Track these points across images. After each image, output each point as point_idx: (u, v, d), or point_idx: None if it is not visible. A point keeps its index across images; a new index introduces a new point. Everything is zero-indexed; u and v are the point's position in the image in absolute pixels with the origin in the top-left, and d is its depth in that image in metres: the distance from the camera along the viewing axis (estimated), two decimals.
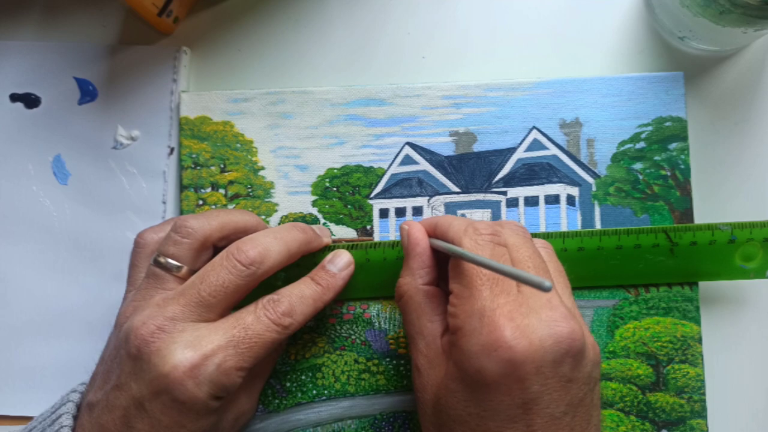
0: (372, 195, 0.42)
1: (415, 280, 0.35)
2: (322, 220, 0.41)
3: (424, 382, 0.33)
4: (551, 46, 0.43)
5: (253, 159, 0.42)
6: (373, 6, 0.44)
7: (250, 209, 0.41)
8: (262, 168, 0.42)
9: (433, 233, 0.36)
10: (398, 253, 0.39)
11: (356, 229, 0.41)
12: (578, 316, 0.32)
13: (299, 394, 0.40)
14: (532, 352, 0.29)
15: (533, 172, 0.41)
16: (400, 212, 0.41)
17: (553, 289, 0.32)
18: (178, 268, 0.35)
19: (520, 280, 0.27)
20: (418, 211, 0.41)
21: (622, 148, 0.41)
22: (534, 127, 0.41)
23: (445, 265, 0.35)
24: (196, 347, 0.32)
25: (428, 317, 0.34)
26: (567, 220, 0.41)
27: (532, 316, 0.30)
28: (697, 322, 0.39)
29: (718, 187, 0.41)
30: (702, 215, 0.41)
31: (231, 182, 0.42)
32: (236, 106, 0.42)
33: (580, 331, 0.30)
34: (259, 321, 0.33)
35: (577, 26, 0.43)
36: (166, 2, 0.41)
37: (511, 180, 0.41)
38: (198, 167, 0.42)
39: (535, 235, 0.39)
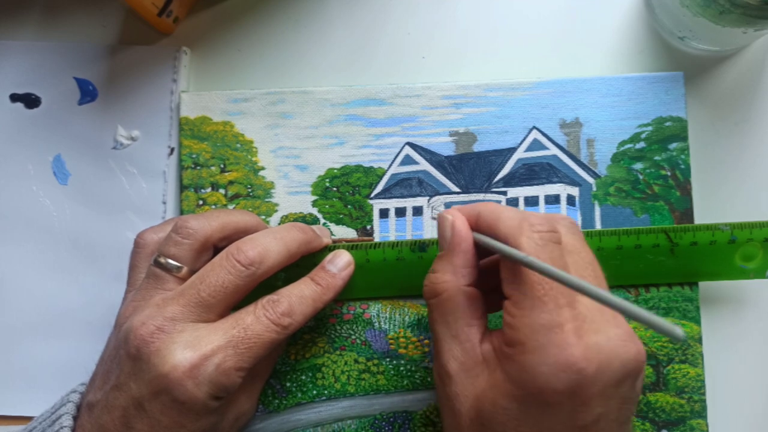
0: (372, 195, 0.42)
1: (458, 279, 0.32)
2: (322, 220, 0.41)
3: (457, 391, 0.31)
4: (551, 46, 0.43)
5: (253, 159, 0.42)
6: (373, 6, 0.44)
7: (250, 209, 0.41)
8: (262, 168, 0.42)
9: (475, 225, 0.33)
10: (398, 254, 0.39)
11: (356, 229, 0.41)
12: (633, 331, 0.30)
13: (299, 394, 0.40)
14: (600, 374, 0.27)
15: (533, 172, 0.41)
16: (400, 212, 0.41)
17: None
18: (179, 268, 0.35)
19: (649, 325, 0.24)
20: (418, 211, 0.41)
21: (622, 148, 0.41)
22: (534, 127, 0.41)
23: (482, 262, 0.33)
24: (196, 347, 0.32)
25: (467, 321, 0.31)
26: None
27: (600, 333, 0.28)
28: (698, 322, 0.39)
29: (718, 187, 0.41)
30: (702, 215, 0.41)
31: (231, 182, 0.42)
32: (236, 106, 0.42)
33: (644, 352, 0.29)
34: (258, 321, 0.33)
35: (577, 26, 0.43)
36: (166, 2, 0.41)
37: (511, 180, 0.41)
38: (198, 167, 0.42)
39: None
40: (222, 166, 0.42)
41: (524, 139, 0.41)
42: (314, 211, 0.42)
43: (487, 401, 0.29)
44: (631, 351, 0.28)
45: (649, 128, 0.41)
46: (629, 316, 0.25)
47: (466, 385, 0.30)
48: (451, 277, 0.32)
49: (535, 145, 0.41)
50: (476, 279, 0.33)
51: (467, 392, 0.30)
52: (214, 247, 0.36)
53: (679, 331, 0.23)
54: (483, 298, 0.33)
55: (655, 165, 0.40)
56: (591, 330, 0.28)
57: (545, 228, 0.30)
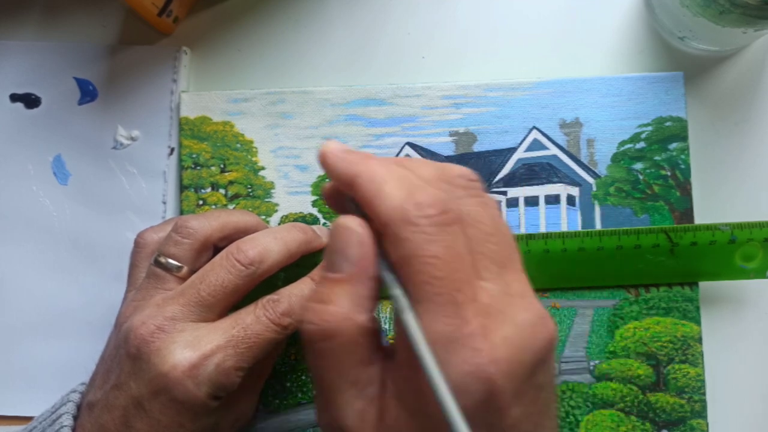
0: None
1: (360, 315, 0.24)
2: (322, 220, 0.41)
3: None
4: (551, 46, 0.43)
5: (253, 159, 0.42)
6: (373, 6, 0.44)
7: (250, 209, 0.41)
8: (262, 168, 0.42)
9: (349, 191, 0.26)
10: None
11: None
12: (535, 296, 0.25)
13: (299, 394, 0.40)
14: (512, 376, 0.23)
15: (533, 172, 0.41)
16: None
17: (522, 275, 0.25)
18: (179, 268, 0.35)
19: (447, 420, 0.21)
20: None
21: (622, 148, 0.41)
22: (534, 127, 0.41)
23: None
24: (196, 347, 0.32)
25: (368, 359, 0.25)
26: (567, 220, 0.41)
27: (506, 323, 0.23)
28: (698, 322, 0.39)
29: (718, 187, 0.41)
30: (702, 215, 0.41)
31: (231, 182, 0.42)
32: (236, 106, 0.42)
33: (555, 329, 0.24)
34: (258, 321, 0.33)
35: (577, 26, 0.43)
36: (166, 2, 0.41)
37: (511, 180, 0.41)
38: (198, 167, 0.42)
39: (529, 236, 0.39)
40: (222, 166, 0.42)
41: (524, 139, 0.41)
42: (314, 211, 0.42)
43: None
44: (543, 336, 0.24)
45: (649, 128, 0.41)
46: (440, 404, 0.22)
47: None
48: (351, 312, 0.24)
49: (535, 145, 0.41)
50: (375, 306, 0.26)
51: None
52: (214, 246, 0.36)
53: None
54: (377, 324, 0.26)
55: (655, 165, 0.40)
56: (498, 322, 0.23)
57: (436, 209, 0.24)
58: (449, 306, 0.23)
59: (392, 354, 0.25)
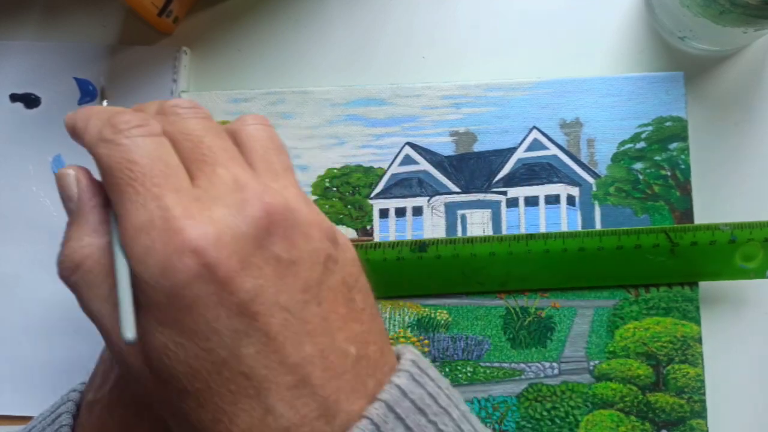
0: (372, 195, 0.42)
1: (99, 237, 0.26)
2: None
3: (133, 364, 0.25)
4: (551, 46, 0.43)
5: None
6: (373, 6, 0.44)
7: None
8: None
9: (73, 136, 0.28)
10: (398, 254, 0.39)
11: (356, 229, 0.41)
12: (285, 188, 0.26)
13: None
14: (225, 245, 0.23)
15: (533, 172, 0.41)
16: (400, 212, 0.41)
17: (241, 168, 0.26)
18: None
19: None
20: (418, 211, 0.41)
21: (622, 148, 0.41)
22: (534, 127, 0.41)
23: None
24: None
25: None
26: (567, 220, 0.41)
27: (217, 206, 0.24)
28: (697, 322, 0.39)
29: (718, 187, 0.41)
30: (702, 215, 0.41)
31: None
32: (236, 106, 0.42)
33: (282, 202, 0.25)
34: None
35: (577, 26, 0.43)
36: (166, 2, 0.41)
37: (511, 180, 0.41)
38: None
39: (529, 236, 0.39)
40: None
41: (524, 139, 0.41)
42: None
43: (151, 349, 0.24)
44: (256, 206, 0.24)
45: (650, 128, 0.41)
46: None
47: (139, 353, 0.25)
48: (91, 239, 0.26)
49: (536, 145, 0.41)
50: None
51: (137, 355, 0.25)
52: None
53: (129, 335, 0.22)
54: None
55: (655, 165, 0.40)
56: (205, 206, 0.24)
57: (128, 125, 0.25)
58: (148, 197, 0.24)
59: None
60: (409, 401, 0.25)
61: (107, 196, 0.26)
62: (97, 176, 0.27)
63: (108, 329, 0.26)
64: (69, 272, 0.27)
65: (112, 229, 0.25)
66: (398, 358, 0.27)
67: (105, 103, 0.29)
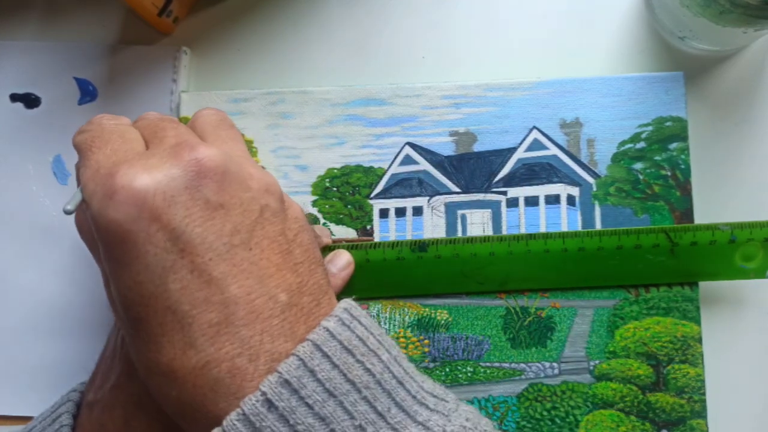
0: (372, 195, 0.42)
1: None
2: (322, 220, 0.41)
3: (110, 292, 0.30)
4: (551, 46, 0.43)
5: (253, 159, 0.42)
6: (373, 6, 0.44)
7: None
8: (262, 168, 0.42)
9: None
10: (398, 254, 0.39)
11: (356, 229, 0.41)
12: (237, 152, 0.30)
13: None
14: (155, 184, 0.26)
15: (533, 172, 0.41)
16: (400, 212, 0.41)
17: (178, 129, 0.30)
18: None
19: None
20: (418, 211, 0.41)
21: (622, 148, 0.41)
22: (534, 127, 0.41)
23: None
24: None
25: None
26: (567, 220, 0.41)
27: (153, 156, 0.27)
28: (698, 322, 0.39)
29: (718, 187, 0.41)
30: (702, 215, 0.41)
31: None
32: (236, 106, 0.42)
33: (216, 154, 0.27)
34: None
35: (577, 26, 0.43)
36: (166, 2, 0.41)
37: (511, 180, 0.41)
38: None
39: (529, 236, 0.39)
40: None
41: (524, 139, 0.41)
42: (314, 211, 0.42)
43: (105, 279, 0.29)
44: (190, 155, 0.27)
45: (650, 128, 0.41)
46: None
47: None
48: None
49: (535, 145, 0.41)
50: None
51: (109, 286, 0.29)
52: None
53: (68, 207, 0.27)
54: None
55: (655, 165, 0.40)
56: (143, 156, 0.27)
57: (98, 118, 0.31)
58: (101, 156, 0.28)
59: None
60: (337, 341, 0.26)
61: None
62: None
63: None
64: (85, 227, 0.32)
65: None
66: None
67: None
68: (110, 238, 0.26)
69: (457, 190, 0.41)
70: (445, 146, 0.41)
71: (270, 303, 0.26)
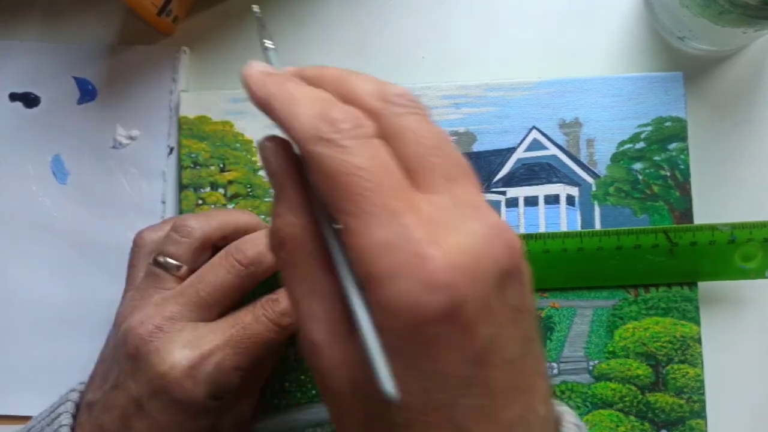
0: None
1: (301, 217, 0.24)
2: None
3: (329, 364, 0.23)
4: (551, 46, 0.43)
5: (253, 159, 0.42)
6: (373, 6, 0.44)
7: (249, 209, 0.41)
8: (262, 168, 0.42)
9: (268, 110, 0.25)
10: None
11: None
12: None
13: (299, 394, 0.40)
14: (475, 284, 0.21)
15: (533, 172, 0.41)
16: None
17: (475, 189, 0.23)
18: (177, 267, 0.35)
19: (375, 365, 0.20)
20: None
21: (621, 148, 0.41)
22: (534, 127, 0.41)
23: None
24: (195, 347, 0.32)
25: (324, 268, 0.23)
26: (567, 220, 0.41)
27: (459, 232, 0.21)
28: (697, 322, 0.39)
29: (718, 187, 0.41)
30: (702, 215, 0.41)
31: (230, 182, 0.42)
32: (236, 105, 0.42)
33: (517, 242, 0.22)
34: (257, 321, 0.33)
35: (577, 26, 0.43)
36: (165, 2, 0.41)
37: (510, 180, 0.41)
38: (197, 167, 0.42)
39: (529, 236, 0.39)
40: (221, 165, 0.42)
41: (524, 139, 0.41)
42: None
43: (361, 366, 0.22)
44: (501, 244, 0.22)
45: (649, 128, 0.41)
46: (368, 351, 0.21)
47: (336, 352, 0.23)
48: (293, 217, 0.24)
49: (535, 145, 0.41)
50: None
51: (340, 361, 0.23)
52: (214, 246, 0.36)
53: (390, 390, 0.20)
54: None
55: (655, 165, 0.40)
56: (447, 230, 0.21)
57: (351, 123, 0.22)
58: (386, 215, 0.21)
59: None
60: None
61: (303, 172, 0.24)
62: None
63: (300, 313, 0.24)
64: (275, 249, 0.24)
65: (327, 236, 0.24)
66: (558, 419, 0.26)
67: (268, 44, 0.26)
68: (407, 337, 0.21)
69: None
70: None
71: (536, 420, 0.23)
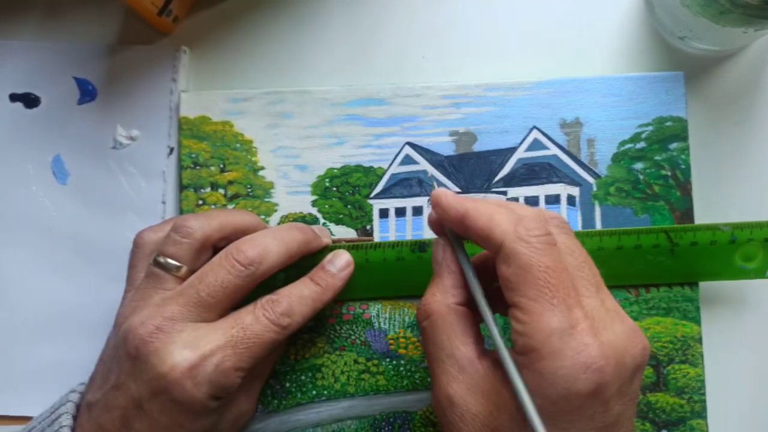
0: (372, 195, 0.42)
1: (447, 298, 0.32)
2: (322, 220, 0.41)
3: (462, 413, 0.29)
4: (551, 46, 0.43)
5: (253, 159, 0.42)
6: (373, 6, 0.44)
7: (249, 209, 0.41)
8: (262, 168, 0.42)
9: (460, 224, 0.31)
10: (398, 254, 0.39)
11: (356, 229, 0.41)
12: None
13: (299, 395, 0.40)
14: (618, 372, 0.27)
15: (533, 172, 0.41)
16: (400, 212, 0.41)
17: (611, 297, 0.30)
18: (178, 268, 0.34)
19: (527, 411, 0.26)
20: (418, 211, 0.41)
21: (622, 148, 0.41)
22: (534, 127, 0.41)
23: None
24: (195, 347, 0.32)
25: (461, 339, 0.31)
26: (567, 220, 0.41)
27: (609, 331, 0.28)
28: (698, 322, 0.39)
29: (719, 187, 0.41)
30: (702, 215, 0.41)
31: (231, 182, 0.42)
32: (236, 105, 0.42)
33: (648, 345, 0.29)
34: (257, 321, 0.33)
35: (577, 26, 0.43)
36: (165, 2, 0.41)
37: (511, 180, 0.41)
38: (197, 167, 0.42)
39: None
40: (221, 165, 0.42)
41: (524, 139, 0.41)
42: (314, 211, 0.42)
43: (504, 418, 0.28)
44: (639, 345, 0.28)
45: (650, 128, 0.41)
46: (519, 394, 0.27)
47: (471, 406, 0.29)
48: (441, 297, 0.32)
49: (536, 144, 0.41)
50: (467, 300, 0.32)
51: (474, 413, 0.29)
52: (214, 246, 0.36)
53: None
54: (474, 318, 0.32)
55: (656, 165, 0.40)
56: (601, 327, 0.28)
57: (541, 231, 0.29)
58: (562, 306, 0.28)
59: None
60: None
61: (458, 265, 0.32)
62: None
63: (437, 372, 0.31)
64: (422, 318, 0.32)
65: (490, 326, 0.30)
66: None
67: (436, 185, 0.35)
68: (559, 405, 0.27)
69: (457, 190, 0.41)
70: (445, 146, 0.41)
71: None
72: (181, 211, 0.42)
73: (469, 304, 0.32)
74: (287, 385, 0.40)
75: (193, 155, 0.42)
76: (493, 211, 0.30)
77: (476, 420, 0.29)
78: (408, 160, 0.41)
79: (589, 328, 0.27)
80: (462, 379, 0.30)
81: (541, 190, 0.41)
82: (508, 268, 0.29)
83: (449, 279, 0.32)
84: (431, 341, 0.31)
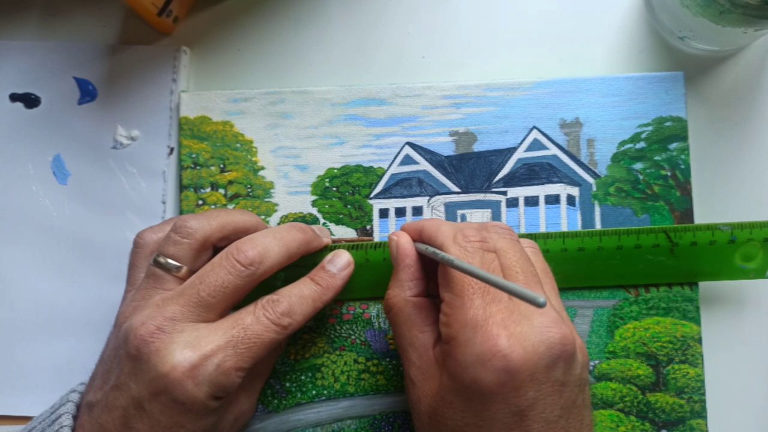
0: (372, 195, 0.42)
1: (404, 291, 0.35)
2: (322, 220, 0.41)
3: (419, 394, 0.33)
4: (551, 46, 0.43)
5: (253, 159, 0.42)
6: (373, 6, 0.44)
7: (249, 209, 0.41)
8: (262, 168, 0.42)
9: (419, 238, 0.36)
10: None
11: (356, 229, 0.41)
12: (566, 318, 0.32)
13: (299, 394, 0.40)
14: (526, 360, 0.29)
15: (533, 172, 0.41)
16: (400, 212, 0.41)
17: (549, 292, 0.32)
18: (178, 268, 0.34)
19: (515, 294, 0.26)
20: (418, 211, 0.41)
21: (622, 148, 0.41)
22: (534, 127, 0.41)
23: (434, 273, 0.34)
24: (195, 347, 0.32)
25: (419, 328, 0.34)
26: (567, 220, 0.41)
27: (524, 323, 0.30)
28: (697, 322, 0.39)
29: (718, 187, 0.41)
30: (702, 215, 0.41)
31: (231, 182, 0.42)
32: (236, 106, 0.42)
33: (571, 335, 0.30)
34: (258, 321, 0.33)
35: (577, 26, 0.43)
36: (165, 2, 0.41)
37: (511, 180, 0.41)
38: (198, 167, 0.42)
39: (529, 236, 0.39)
40: (222, 165, 0.42)
41: (524, 139, 0.41)
42: (314, 211, 0.42)
43: (438, 398, 0.31)
44: (556, 336, 0.30)
45: (649, 128, 0.41)
46: (503, 289, 0.27)
47: (425, 387, 0.33)
48: (399, 290, 0.35)
49: (536, 145, 0.41)
50: (424, 290, 0.35)
51: (426, 393, 0.32)
52: (214, 247, 0.36)
53: (541, 299, 0.25)
54: (434, 306, 0.35)
55: (655, 165, 0.40)
56: (515, 320, 0.30)
57: (476, 238, 0.33)
58: (480, 301, 0.31)
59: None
60: None
61: (418, 260, 0.35)
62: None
63: (402, 357, 0.34)
64: (386, 311, 0.35)
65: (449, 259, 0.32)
66: None
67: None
68: (470, 388, 0.30)
69: (457, 190, 0.41)
70: (445, 146, 0.41)
71: None
72: (181, 211, 0.42)
73: (427, 293, 0.35)
74: (287, 384, 0.40)
75: (194, 155, 0.42)
76: (442, 223, 0.35)
77: (426, 399, 0.32)
78: (408, 160, 0.41)
79: (502, 321, 0.30)
80: (419, 365, 0.33)
81: (540, 190, 0.41)
82: (441, 268, 0.33)
83: (405, 273, 0.35)
84: (396, 332, 0.35)
